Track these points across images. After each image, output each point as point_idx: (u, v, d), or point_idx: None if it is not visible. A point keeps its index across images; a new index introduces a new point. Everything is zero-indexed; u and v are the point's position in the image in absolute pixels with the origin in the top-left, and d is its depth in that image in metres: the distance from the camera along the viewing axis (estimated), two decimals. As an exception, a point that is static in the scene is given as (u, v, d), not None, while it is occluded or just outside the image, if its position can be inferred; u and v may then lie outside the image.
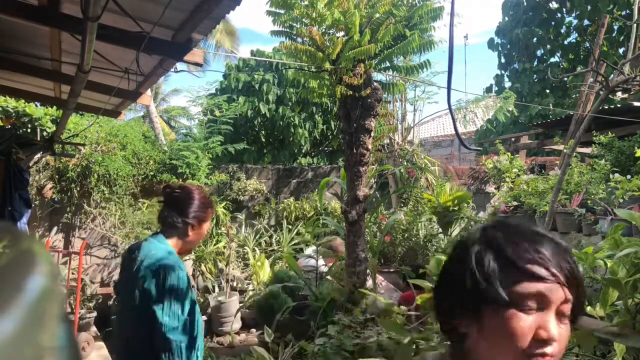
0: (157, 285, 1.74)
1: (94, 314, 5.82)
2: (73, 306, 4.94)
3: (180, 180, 6.85)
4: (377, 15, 3.73)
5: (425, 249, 5.62)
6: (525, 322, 0.72)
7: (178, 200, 1.98)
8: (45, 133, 5.82)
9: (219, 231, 6.64)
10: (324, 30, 3.88)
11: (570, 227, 4.62)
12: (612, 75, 7.58)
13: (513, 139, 9.31)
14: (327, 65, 3.81)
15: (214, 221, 6.58)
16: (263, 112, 8.89)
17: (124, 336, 1.84)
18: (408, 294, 4.04)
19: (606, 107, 6.79)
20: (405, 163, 7.53)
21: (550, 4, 12.17)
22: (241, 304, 5.72)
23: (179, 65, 2.91)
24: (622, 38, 11.00)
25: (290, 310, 4.22)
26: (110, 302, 6.30)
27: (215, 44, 16.69)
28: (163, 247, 1.88)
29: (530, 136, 9.53)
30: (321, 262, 5.12)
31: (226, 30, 16.69)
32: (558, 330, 0.73)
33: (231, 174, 7.73)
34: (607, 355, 1.96)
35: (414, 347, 1.84)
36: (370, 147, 3.98)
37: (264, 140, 9.67)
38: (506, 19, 13.02)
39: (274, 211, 7.92)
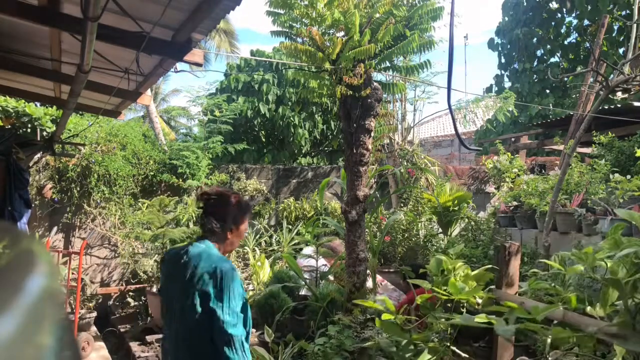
0: (215, 286, 1.85)
1: (94, 314, 5.82)
2: (73, 306, 4.94)
3: (180, 180, 6.85)
4: (377, 15, 3.73)
5: (425, 249, 5.62)
6: None
7: (215, 207, 2.08)
8: (45, 133, 5.82)
9: (219, 231, 6.63)
10: (324, 30, 3.88)
11: (570, 227, 4.62)
12: (612, 75, 7.58)
13: (513, 139, 9.31)
14: (327, 65, 3.81)
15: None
16: (263, 112, 8.88)
17: (182, 337, 1.91)
18: (412, 295, 4.05)
19: (606, 107, 6.79)
20: (405, 163, 7.53)
21: (550, 4, 12.17)
22: (241, 304, 5.71)
23: (179, 65, 2.91)
24: (622, 38, 11.00)
25: (290, 310, 4.22)
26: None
27: (215, 45, 16.69)
28: (214, 252, 2.00)
29: (530, 136, 9.53)
30: (321, 262, 5.12)
31: (225, 30, 16.69)
32: None
33: (231, 174, 7.73)
34: (607, 355, 1.96)
35: (412, 347, 1.84)
36: (370, 147, 3.99)
37: (264, 140, 9.67)
38: (506, 19, 13.02)
39: (274, 211, 7.92)
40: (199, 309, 1.83)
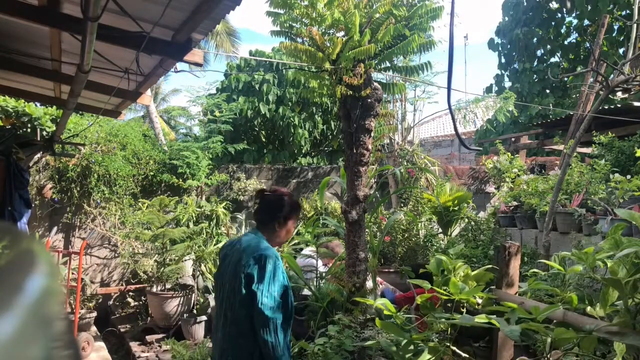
0: (258, 270, 2.05)
1: (94, 314, 5.82)
2: (73, 306, 4.94)
3: (180, 180, 6.85)
4: (377, 15, 3.73)
5: (425, 249, 5.62)
6: None
7: (269, 203, 2.36)
8: (45, 133, 5.82)
9: (219, 231, 6.64)
10: (324, 30, 3.88)
11: (570, 227, 4.62)
12: (612, 75, 7.58)
13: (513, 139, 9.31)
14: (327, 65, 3.81)
15: (214, 221, 6.58)
16: (263, 112, 8.88)
17: (228, 316, 2.10)
18: (407, 294, 4.05)
19: (606, 107, 6.79)
20: (405, 163, 7.53)
21: (550, 4, 12.16)
22: (241, 304, 5.71)
23: (179, 65, 2.91)
24: (622, 38, 10.99)
25: (290, 310, 4.21)
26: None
27: (215, 44, 16.67)
28: (262, 241, 2.23)
29: (530, 136, 9.53)
30: (311, 261, 5.13)
31: (225, 29, 16.67)
32: None
33: (231, 174, 7.73)
34: (607, 355, 1.96)
35: (412, 347, 1.84)
36: (370, 147, 3.98)
37: (264, 140, 9.67)
38: (506, 19, 13.01)
39: (274, 211, 7.91)
40: (244, 290, 2.02)
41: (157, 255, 6.08)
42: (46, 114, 5.89)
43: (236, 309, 2.06)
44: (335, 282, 4.39)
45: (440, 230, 5.84)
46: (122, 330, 5.96)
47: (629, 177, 4.34)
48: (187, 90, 11.27)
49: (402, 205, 7.26)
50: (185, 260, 6.01)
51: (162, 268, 5.77)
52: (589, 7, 10.76)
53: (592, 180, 4.83)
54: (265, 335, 1.95)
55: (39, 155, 5.49)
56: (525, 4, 12.42)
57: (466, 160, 15.08)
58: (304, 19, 3.80)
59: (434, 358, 1.75)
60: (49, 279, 0.36)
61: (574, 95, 10.86)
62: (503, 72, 13.24)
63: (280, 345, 1.96)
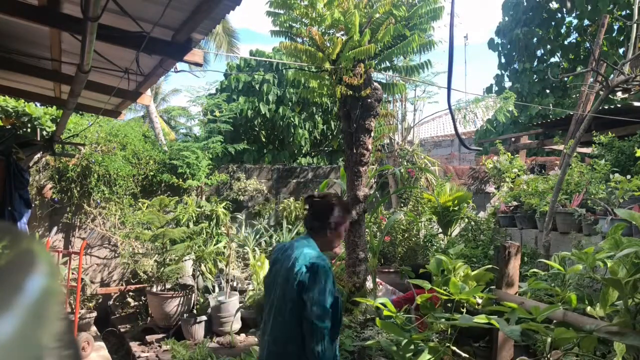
0: (311, 279, 2.06)
1: (94, 314, 5.82)
2: (73, 306, 4.94)
3: (180, 180, 6.84)
4: (377, 15, 3.73)
5: (425, 249, 5.61)
6: None
7: (319, 209, 2.36)
8: (45, 133, 5.82)
9: (219, 231, 6.64)
10: (324, 30, 3.88)
11: (570, 227, 4.61)
12: (612, 75, 7.57)
13: (513, 139, 9.31)
14: (327, 65, 3.81)
15: (214, 221, 6.58)
16: (263, 112, 8.88)
17: (278, 320, 2.11)
18: (405, 295, 4.05)
19: (606, 107, 6.79)
20: (405, 163, 7.53)
21: (550, 4, 12.16)
22: (241, 304, 5.71)
23: (179, 65, 2.91)
24: (622, 38, 10.99)
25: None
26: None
27: (215, 45, 16.66)
28: (314, 248, 2.24)
29: (530, 136, 9.52)
30: None
31: (225, 29, 16.67)
32: None
33: (231, 174, 7.72)
34: (607, 355, 1.96)
35: (413, 347, 1.84)
36: (370, 147, 3.99)
37: (264, 140, 9.67)
38: (506, 19, 13.01)
39: (274, 211, 7.92)
40: (295, 297, 2.05)
41: (157, 255, 6.08)
42: (46, 114, 5.89)
43: (286, 315, 2.08)
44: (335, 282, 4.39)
45: (440, 230, 5.84)
46: (122, 330, 5.96)
47: (629, 177, 4.34)
48: (187, 90, 11.28)
49: (402, 205, 7.26)
50: (185, 260, 6.01)
51: (162, 268, 5.76)
52: (589, 7, 10.77)
53: (592, 180, 4.83)
54: (314, 344, 1.96)
55: (39, 155, 5.49)
56: (525, 4, 12.42)
57: (466, 160, 15.08)
58: (303, 19, 3.80)
59: (434, 358, 1.75)
60: (49, 279, 0.36)
61: (574, 95, 10.86)
62: (503, 72, 13.24)
63: (328, 354, 1.97)
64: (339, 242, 2.42)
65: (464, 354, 1.77)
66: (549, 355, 1.70)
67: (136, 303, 6.49)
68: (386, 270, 5.39)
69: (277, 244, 2.61)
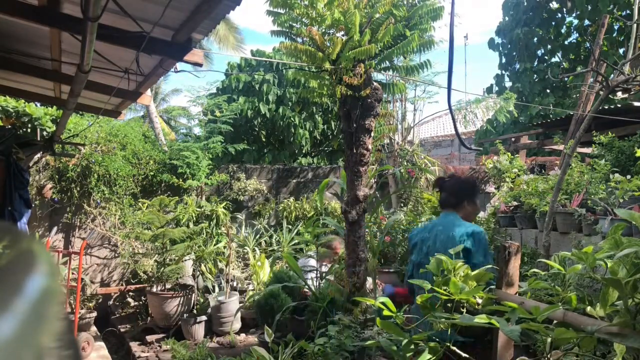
0: (474, 244, 2.34)
1: (94, 314, 5.82)
2: (73, 306, 4.94)
3: (180, 180, 6.84)
4: (377, 15, 3.73)
5: (425, 249, 5.61)
6: None
7: (454, 187, 2.61)
8: (45, 133, 5.82)
9: (219, 231, 6.64)
10: (324, 30, 3.88)
11: (570, 227, 4.61)
12: (612, 75, 7.57)
13: (513, 139, 9.31)
14: (327, 65, 3.80)
15: (214, 221, 6.58)
16: (263, 112, 8.88)
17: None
18: (402, 290, 4.04)
19: (606, 107, 6.79)
20: (405, 163, 7.53)
21: (550, 4, 12.17)
22: (241, 304, 5.71)
23: (179, 65, 2.91)
24: (622, 38, 10.99)
25: (290, 310, 4.22)
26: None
27: (219, 41, 16.62)
28: (462, 220, 2.48)
29: (530, 136, 9.52)
30: (311, 261, 5.13)
31: (228, 27, 16.63)
32: None
33: (231, 174, 7.72)
34: (607, 356, 1.96)
35: (413, 347, 1.84)
36: (370, 147, 3.99)
37: (264, 140, 9.67)
38: (506, 18, 13.01)
39: (274, 211, 7.91)
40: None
41: (157, 255, 6.08)
42: (46, 114, 5.89)
43: None
44: (335, 282, 4.39)
45: (440, 230, 5.83)
46: (122, 330, 5.96)
47: (629, 177, 4.34)
48: (188, 90, 11.28)
49: (402, 205, 7.26)
50: (185, 260, 6.01)
51: (162, 268, 5.76)
52: (589, 7, 10.77)
53: (592, 180, 4.83)
54: None
55: (39, 155, 5.49)
56: (525, 4, 12.42)
57: (466, 160, 15.08)
58: (304, 19, 3.80)
59: (434, 358, 1.75)
60: (49, 279, 0.36)
61: (574, 95, 10.86)
62: (503, 72, 13.24)
63: None
64: (477, 212, 2.72)
65: (464, 354, 1.77)
66: (549, 355, 1.70)
67: (136, 303, 6.49)
68: (386, 270, 5.38)
69: (414, 229, 3.04)
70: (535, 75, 12.16)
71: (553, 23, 12.29)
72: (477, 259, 2.28)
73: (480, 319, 1.62)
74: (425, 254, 2.49)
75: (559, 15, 12.23)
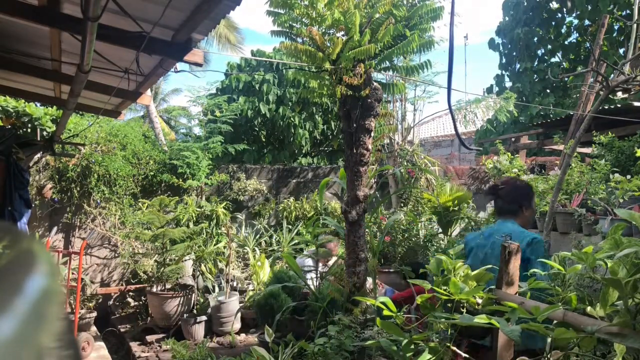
0: (533, 252, 2.31)
1: (94, 314, 5.82)
2: (73, 306, 4.94)
3: (180, 180, 6.84)
4: (377, 15, 3.73)
5: (425, 249, 5.61)
6: None
7: (511, 194, 2.58)
8: (45, 133, 5.82)
9: (219, 231, 6.64)
10: (324, 30, 3.88)
11: (570, 227, 4.61)
12: (612, 75, 7.57)
13: (513, 139, 9.30)
14: (327, 65, 3.80)
15: (214, 221, 6.58)
16: (263, 112, 8.88)
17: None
18: (405, 292, 4.04)
19: (606, 107, 6.78)
20: (405, 163, 7.53)
21: (550, 4, 12.17)
22: (241, 304, 5.71)
23: (179, 65, 2.91)
24: (622, 38, 10.99)
25: (290, 310, 4.22)
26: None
27: (218, 40, 16.62)
28: (520, 227, 2.49)
29: (530, 136, 9.52)
30: (310, 262, 5.13)
31: (229, 27, 16.63)
32: None
33: (231, 174, 7.72)
34: (607, 356, 1.96)
35: (413, 347, 1.84)
36: (370, 147, 3.98)
37: (264, 140, 9.67)
38: (506, 18, 13.01)
39: (274, 211, 7.91)
40: (521, 271, 2.15)
41: (157, 255, 6.08)
42: (46, 114, 5.89)
43: None
44: (335, 282, 4.39)
45: (440, 230, 5.84)
46: (122, 330, 5.96)
47: (629, 177, 4.34)
48: (188, 89, 11.27)
49: (402, 205, 7.26)
50: (185, 260, 6.01)
51: (162, 268, 5.77)
52: (589, 7, 10.77)
53: (592, 180, 4.83)
54: None
55: (39, 155, 5.49)
56: (525, 3, 12.42)
57: (466, 160, 15.08)
58: (304, 19, 3.80)
59: (434, 358, 1.75)
60: (49, 279, 0.36)
61: (574, 95, 10.86)
62: (504, 72, 13.24)
63: None
64: (534, 215, 2.73)
65: (464, 354, 1.77)
66: (549, 355, 1.70)
67: (136, 303, 6.49)
68: (386, 270, 5.38)
69: (468, 234, 2.96)
70: (535, 75, 12.16)
71: (553, 23, 12.29)
72: (536, 268, 2.20)
73: (480, 319, 1.62)
74: (481, 260, 2.48)
75: (559, 15, 12.23)
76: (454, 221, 5.59)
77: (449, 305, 1.84)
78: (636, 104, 6.95)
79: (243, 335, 5.60)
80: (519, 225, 2.51)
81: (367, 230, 4.45)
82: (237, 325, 5.62)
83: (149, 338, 5.46)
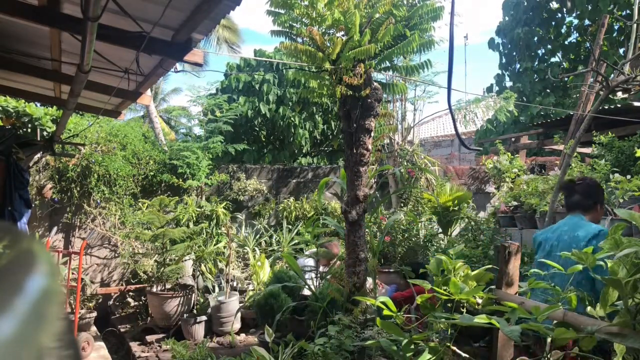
0: (598, 241, 2.28)
1: (94, 314, 5.82)
2: (73, 306, 4.94)
3: (180, 180, 6.84)
4: (377, 15, 3.73)
5: (425, 249, 5.61)
6: None
7: (587, 190, 2.68)
8: (45, 133, 5.82)
9: (219, 231, 6.64)
10: (324, 30, 3.88)
11: (570, 227, 4.61)
12: (612, 75, 7.57)
13: (513, 139, 9.30)
14: (327, 65, 3.80)
15: (214, 221, 6.58)
16: (263, 112, 8.88)
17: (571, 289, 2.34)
18: (405, 292, 4.04)
19: (606, 107, 6.78)
20: (405, 163, 7.53)
21: (550, 4, 12.17)
22: (241, 304, 5.71)
23: (179, 65, 2.91)
24: (622, 38, 10.99)
25: (290, 310, 4.22)
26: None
27: (217, 40, 16.62)
28: (588, 221, 2.57)
29: (530, 136, 9.51)
30: (310, 262, 5.13)
31: (228, 27, 16.63)
32: None
33: (231, 174, 7.72)
34: (607, 356, 1.96)
35: (413, 347, 1.84)
36: (370, 147, 3.98)
37: (264, 140, 9.67)
38: (507, 18, 13.02)
39: (274, 211, 7.91)
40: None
41: (157, 255, 6.08)
42: (46, 114, 5.89)
43: (582, 283, 2.33)
44: (335, 282, 4.39)
45: (440, 230, 5.84)
46: (122, 330, 5.96)
47: (629, 177, 4.34)
48: (189, 89, 11.28)
49: (402, 205, 7.26)
50: (185, 260, 6.01)
51: (162, 268, 5.77)
52: (589, 7, 10.77)
53: (592, 180, 4.83)
54: None
55: (39, 155, 5.49)
56: (525, 3, 12.42)
57: (466, 160, 15.08)
58: (304, 19, 3.80)
59: (434, 358, 1.75)
60: (49, 279, 0.36)
61: (575, 95, 10.86)
62: (504, 72, 13.24)
63: None
64: (601, 216, 2.78)
65: (464, 354, 1.77)
66: (549, 355, 1.70)
67: (136, 303, 6.49)
68: (386, 270, 5.38)
69: (537, 234, 3.07)
70: (535, 75, 12.16)
71: (553, 23, 12.29)
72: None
73: (480, 319, 1.62)
74: (547, 252, 2.58)
75: (559, 15, 12.23)
76: (454, 221, 5.59)
77: (449, 305, 1.84)
78: (636, 104, 6.95)
79: (243, 335, 5.60)
80: (586, 220, 2.59)
81: (367, 230, 4.45)
82: (237, 325, 5.62)
83: (149, 338, 5.46)
